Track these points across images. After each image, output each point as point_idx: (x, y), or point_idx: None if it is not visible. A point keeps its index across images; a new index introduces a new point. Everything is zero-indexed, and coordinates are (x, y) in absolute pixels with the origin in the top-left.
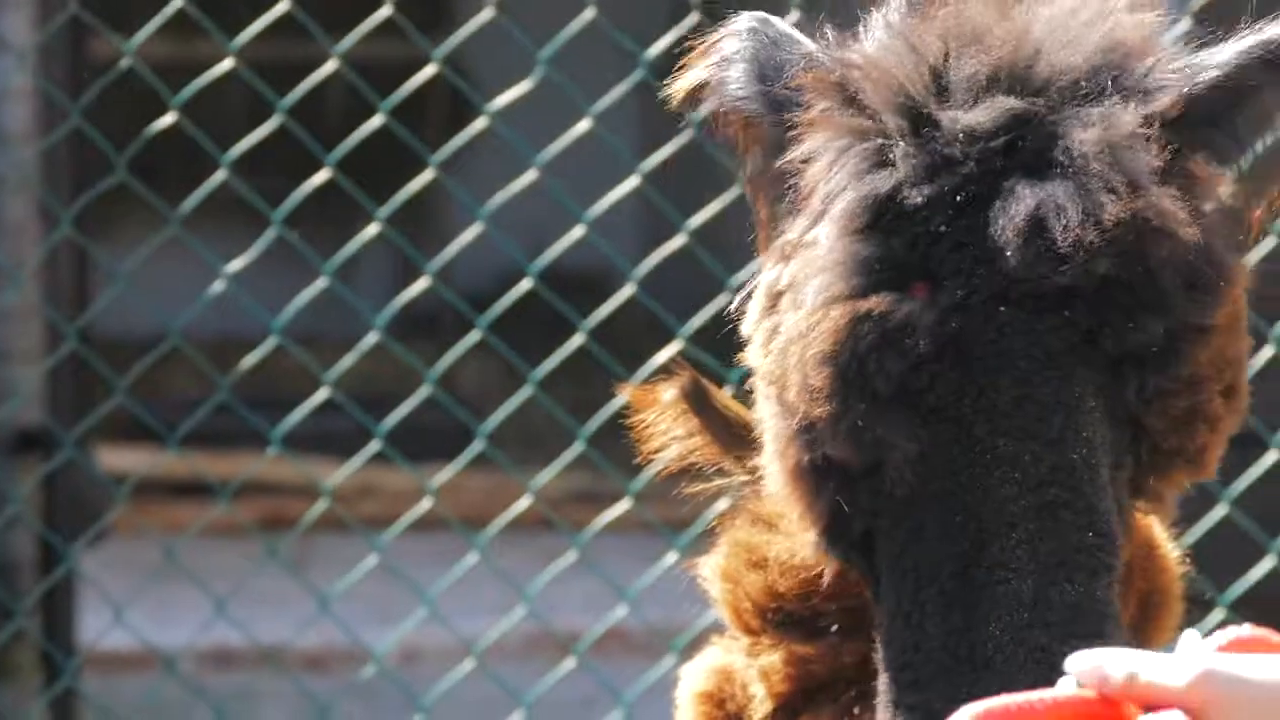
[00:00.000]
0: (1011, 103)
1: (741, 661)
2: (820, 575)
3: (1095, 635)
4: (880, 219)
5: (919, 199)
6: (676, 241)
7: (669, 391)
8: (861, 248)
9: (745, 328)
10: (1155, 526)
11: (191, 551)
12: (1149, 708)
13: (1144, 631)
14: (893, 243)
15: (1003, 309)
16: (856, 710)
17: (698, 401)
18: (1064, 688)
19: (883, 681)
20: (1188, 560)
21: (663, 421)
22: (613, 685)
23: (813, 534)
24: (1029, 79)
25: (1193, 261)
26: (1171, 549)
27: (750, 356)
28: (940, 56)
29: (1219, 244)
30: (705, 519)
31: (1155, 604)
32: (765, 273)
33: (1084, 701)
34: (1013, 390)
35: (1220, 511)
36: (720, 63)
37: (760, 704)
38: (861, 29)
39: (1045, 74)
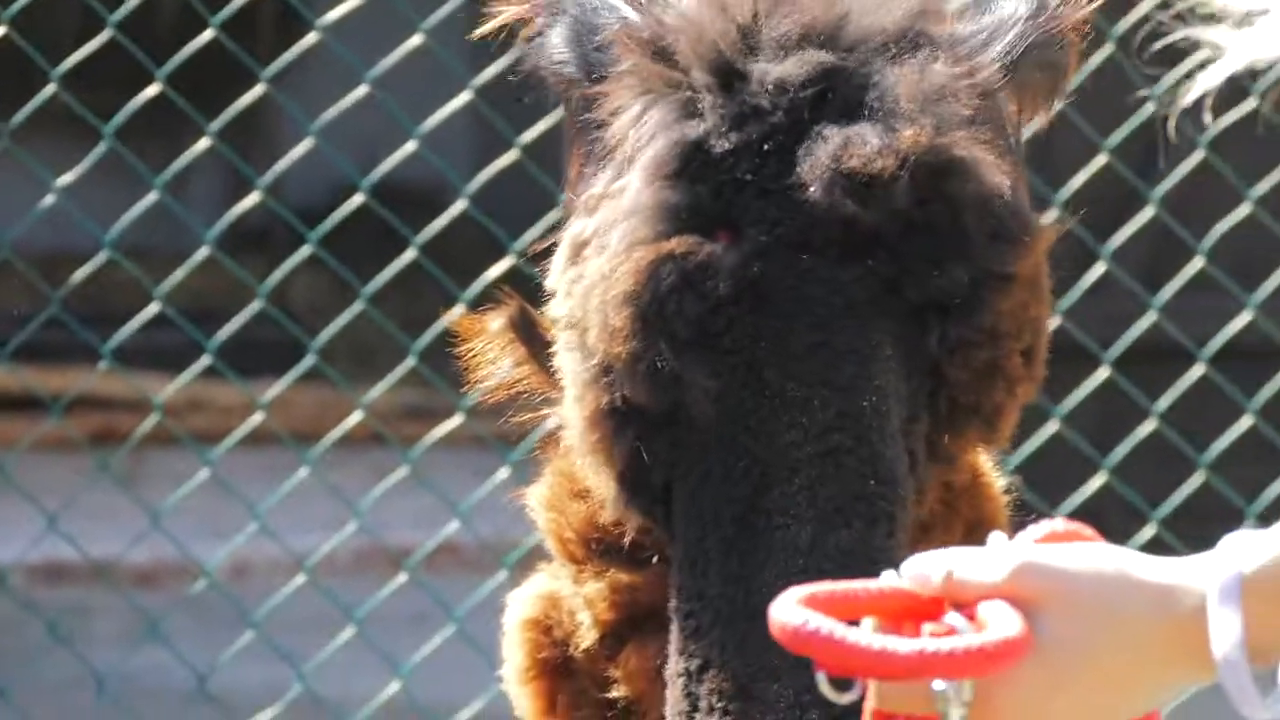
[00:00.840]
0: (822, 56)
1: (568, 588)
2: None
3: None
4: (687, 167)
5: (726, 147)
6: (508, 157)
7: (496, 320)
8: (668, 194)
9: (549, 280)
10: (981, 456)
11: (22, 466)
12: (961, 605)
13: None
14: (698, 190)
15: (804, 256)
16: None
17: (525, 330)
18: (887, 580)
19: (672, 630)
20: (1017, 481)
21: (490, 350)
22: (445, 600)
23: (613, 487)
24: (838, 38)
25: (997, 208)
26: (997, 477)
27: (553, 308)
28: (750, 16)
29: (1023, 194)
30: (536, 435)
31: (982, 533)
32: (571, 225)
33: (905, 594)
34: (807, 336)
35: (1051, 428)
36: (543, 23)
37: (587, 632)
38: None
39: (855, 34)
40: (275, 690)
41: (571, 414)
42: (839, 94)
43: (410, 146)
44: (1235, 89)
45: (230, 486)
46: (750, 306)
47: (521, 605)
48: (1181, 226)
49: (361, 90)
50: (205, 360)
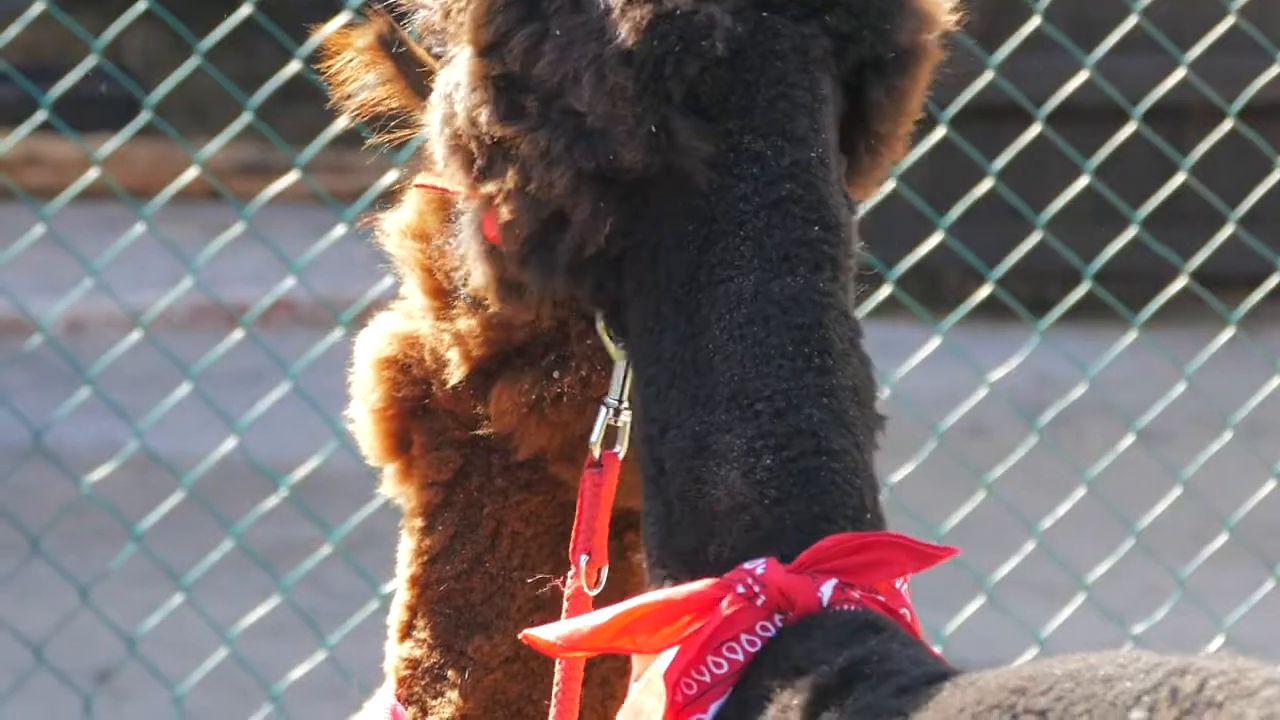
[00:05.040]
0: None
1: (429, 327)
2: None
3: (814, 324)
4: None
5: None
6: None
7: (364, 36)
8: None
9: (477, 27)
10: None
11: None
12: None
13: None
14: None
15: (777, 15)
16: (556, 374)
17: (393, 47)
18: None
19: (635, 408)
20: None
21: (356, 66)
22: (280, 357)
23: (566, 258)
24: None
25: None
26: None
27: (487, 61)
28: None
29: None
30: (375, 190)
31: None
32: None
33: None
34: (770, 89)
35: (888, 186)
36: None
37: (456, 368)
38: None
39: None
40: (111, 446)
41: (537, 184)
42: None
43: None
44: None
45: (66, 242)
46: (729, 65)
47: (376, 344)
48: None
49: None
50: (40, 115)
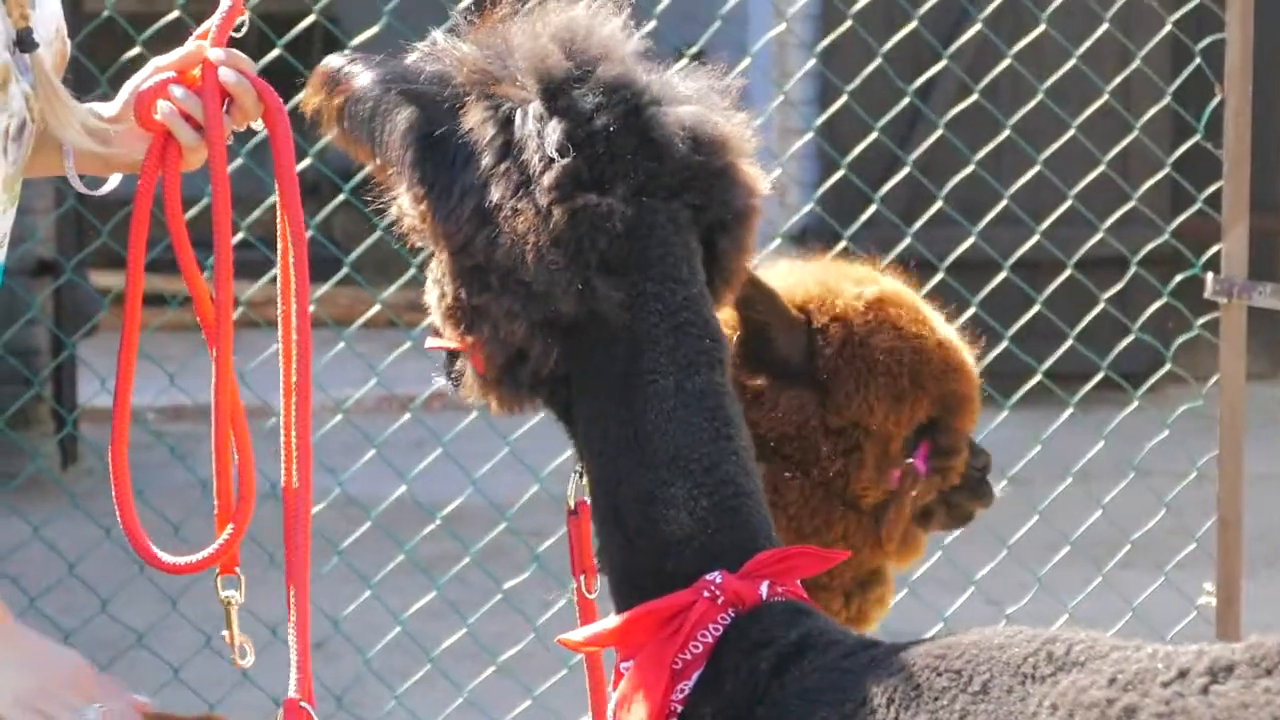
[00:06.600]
0: (616, 70)
1: None
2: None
3: (718, 406)
4: (570, 150)
5: (589, 132)
6: None
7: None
8: (564, 169)
9: (456, 232)
10: (961, 343)
11: (153, 342)
12: None
13: (953, 423)
14: (579, 164)
15: (652, 198)
16: (787, 473)
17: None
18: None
19: (590, 472)
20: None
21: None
22: (437, 432)
23: (528, 380)
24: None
25: (753, 170)
26: (967, 352)
27: (466, 253)
28: (561, 49)
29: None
30: None
31: (957, 400)
32: (464, 195)
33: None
34: (657, 249)
35: None
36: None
37: None
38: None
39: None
40: (322, 491)
41: (503, 333)
42: (650, 93)
43: None
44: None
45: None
46: (626, 236)
47: None
48: (928, 179)
49: None
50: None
